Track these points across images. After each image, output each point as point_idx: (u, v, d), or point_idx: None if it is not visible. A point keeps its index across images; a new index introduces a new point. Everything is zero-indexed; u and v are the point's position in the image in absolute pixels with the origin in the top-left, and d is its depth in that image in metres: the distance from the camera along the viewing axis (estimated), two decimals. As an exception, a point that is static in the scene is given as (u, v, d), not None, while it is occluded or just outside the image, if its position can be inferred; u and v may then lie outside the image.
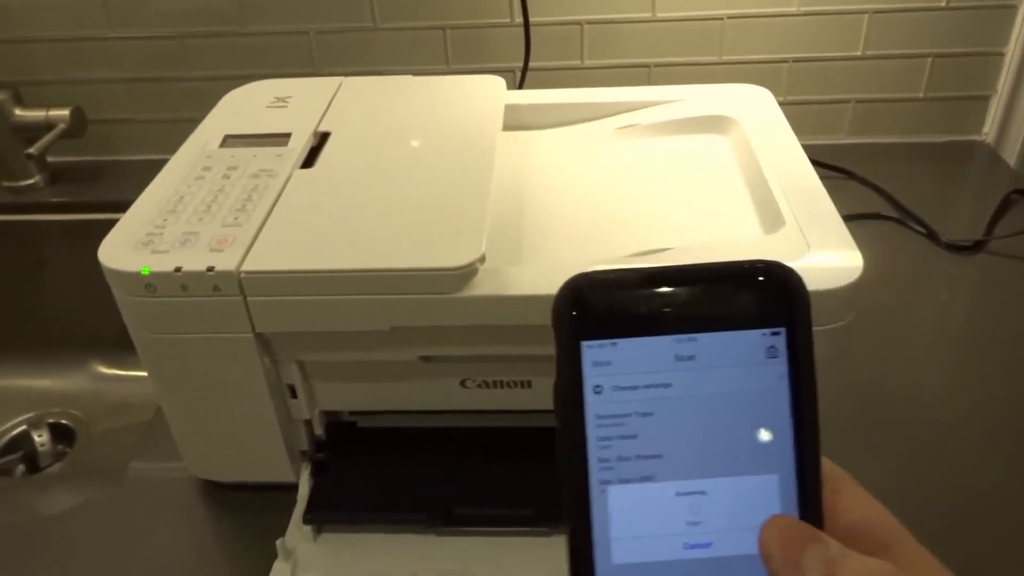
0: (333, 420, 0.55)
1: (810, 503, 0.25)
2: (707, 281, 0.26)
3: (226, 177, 0.53)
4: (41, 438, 0.92)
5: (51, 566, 0.53)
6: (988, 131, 0.92)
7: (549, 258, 0.50)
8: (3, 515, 0.80)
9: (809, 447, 0.26)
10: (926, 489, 0.54)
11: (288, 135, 0.57)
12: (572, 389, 0.25)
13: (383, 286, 0.44)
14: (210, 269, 0.44)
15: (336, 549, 0.50)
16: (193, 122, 0.93)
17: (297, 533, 0.51)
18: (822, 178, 0.53)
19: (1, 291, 0.94)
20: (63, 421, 0.93)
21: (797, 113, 0.89)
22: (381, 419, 0.56)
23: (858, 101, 0.90)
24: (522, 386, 0.51)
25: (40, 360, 0.96)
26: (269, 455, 0.53)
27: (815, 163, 0.55)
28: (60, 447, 0.92)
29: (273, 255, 0.45)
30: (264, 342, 0.48)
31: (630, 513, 0.25)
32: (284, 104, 0.62)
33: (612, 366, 0.25)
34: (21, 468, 0.91)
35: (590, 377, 0.25)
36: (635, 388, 0.26)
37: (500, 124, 0.58)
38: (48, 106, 0.88)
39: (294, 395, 0.51)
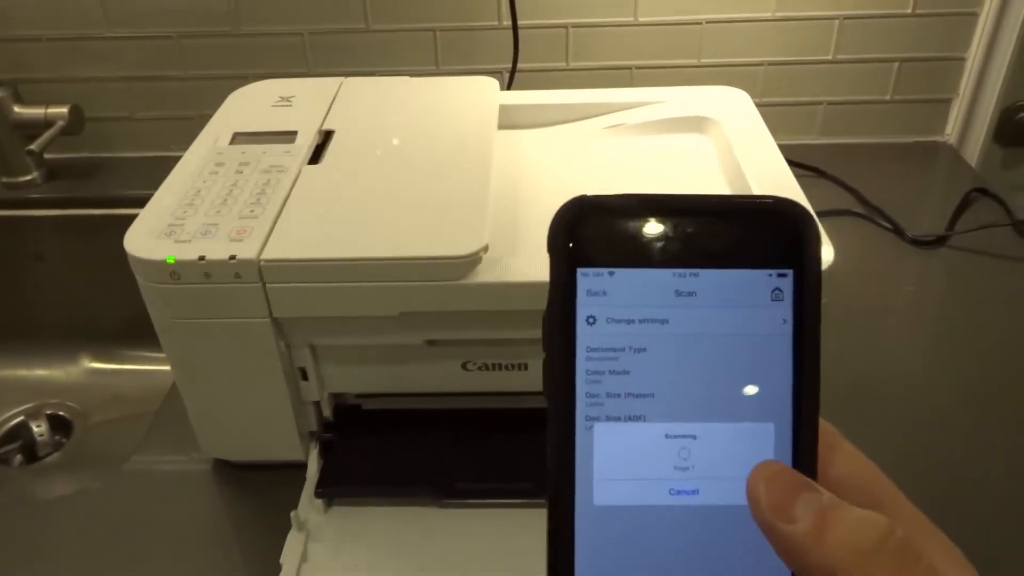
0: (340, 402, 0.58)
1: (805, 455, 0.25)
2: (714, 214, 0.25)
3: (239, 172, 0.56)
4: (40, 428, 0.94)
5: (65, 547, 0.56)
6: (950, 132, 0.97)
7: (543, 244, 0.54)
8: (4, 503, 0.82)
9: (809, 397, 0.25)
10: (899, 472, 0.58)
11: (294, 133, 0.60)
12: (563, 317, 0.24)
13: (393, 273, 0.48)
14: (232, 257, 0.47)
15: (345, 521, 0.54)
16: (188, 120, 0.96)
17: (309, 507, 0.54)
18: (795, 176, 0.57)
19: (1, 285, 0.96)
20: (60, 412, 0.96)
21: (771, 114, 0.93)
22: (385, 402, 0.59)
23: (829, 103, 0.95)
24: (519, 368, 0.55)
25: (38, 352, 0.98)
26: (281, 435, 0.56)
27: (788, 162, 0.59)
28: (57, 437, 0.94)
29: (290, 244, 0.49)
30: (279, 327, 0.51)
31: (615, 453, 0.24)
32: (288, 103, 0.65)
33: (608, 296, 0.24)
34: (19, 458, 0.93)
35: (583, 307, 0.24)
36: (630, 322, 0.24)
37: (495, 122, 0.62)
38: (47, 103, 0.90)
39: (305, 377, 0.54)
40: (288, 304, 0.49)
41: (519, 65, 0.91)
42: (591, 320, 0.24)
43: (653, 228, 0.24)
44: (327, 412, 0.57)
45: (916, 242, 0.80)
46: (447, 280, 0.48)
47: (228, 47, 0.93)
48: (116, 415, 0.97)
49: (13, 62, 0.92)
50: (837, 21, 0.90)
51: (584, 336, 0.24)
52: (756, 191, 0.56)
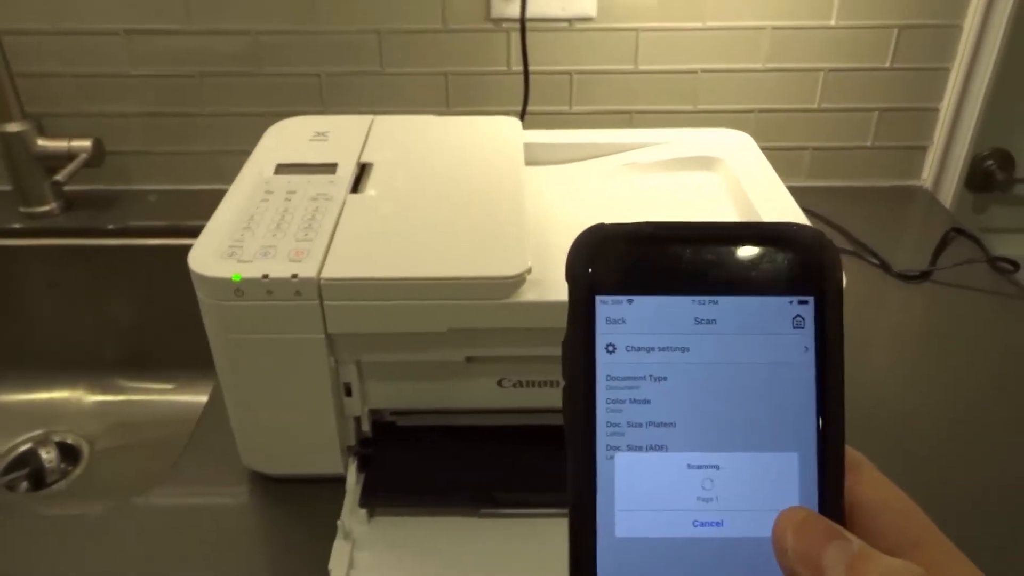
0: (377, 419, 0.61)
1: (831, 488, 0.24)
2: (733, 241, 0.25)
3: (288, 200, 0.59)
4: (49, 455, 0.94)
5: (112, 552, 0.57)
6: (926, 177, 1.04)
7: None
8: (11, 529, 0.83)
9: (832, 426, 0.24)
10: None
11: (335, 164, 0.64)
12: (583, 346, 0.24)
13: (444, 292, 0.52)
14: (294, 276, 0.51)
15: (388, 531, 0.56)
16: (204, 155, 0.99)
17: (351, 517, 0.56)
18: None
19: (15, 311, 0.97)
20: (68, 440, 0.96)
21: (762, 157, 1.00)
22: (418, 419, 0.62)
23: (815, 148, 1.02)
24: (552, 385, 0.58)
25: (47, 379, 0.99)
26: (323, 449, 0.58)
27: None
28: (64, 465, 0.95)
29: (346, 264, 0.52)
30: (331, 343, 0.54)
31: (637, 484, 0.24)
32: (324, 138, 0.69)
33: (627, 325, 0.24)
34: (25, 485, 0.93)
35: (603, 335, 0.24)
36: (650, 350, 0.24)
37: (522, 156, 0.66)
38: (70, 137, 0.93)
39: (349, 393, 0.57)
40: (343, 321, 0.52)
41: (527, 108, 0.97)
42: (611, 348, 0.24)
43: (672, 255, 0.24)
44: (366, 427, 0.60)
45: (902, 277, 0.86)
46: (493, 299, 0.52)
47: (246, 86, 0.97)
48: (124, 443, 0.98)
49: (38, 96, 0.95)
50: (822, 73, 0.97)
51: (604, 364, 0.24)
52: (765, 218, 0.60)
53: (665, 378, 0.24)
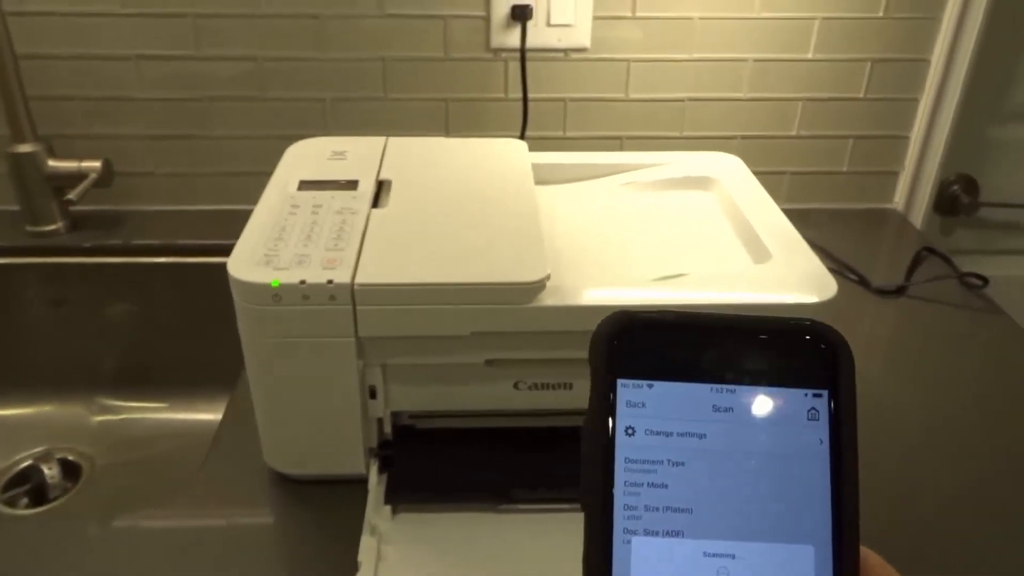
0: (396, 423, 0.64)
1: None
2: (753, 333, 0.26)
3: (315, 213, 0.63)
4: (51, 471, 0.95)
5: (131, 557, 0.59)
6: (898, 200, 1.10)
7: (587, 277, 0.62)
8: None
9: (848, 520, 0.24)
10: (875, 495, 0.67)
11: (356, 181, 0.68)
12: (603, 427, 0.24)
13: (470, 297, 0.55)
14: (329, 282, 0.54)
15: (412, 527, 0.59)
16: (212, 176, 1.03)
17: (376, 514, 0.59)
18: None
19: (19, 329, 0.99)
20: (70, 457, 0.97)
21: (745, 181, 1.05)
22: (436, 422, 0.65)
23: (793, 173, 1.08)
24: (565, 388, 0.62)
25: (50, 396, 1.00)
26: (347, 450, 0.61)
27: None
28: (65, 482, 0.95)
29: (377, 271, 0.56)
30: (361, 346, 0.57)
31: (653, 569, 0.24)
32: (343, 157, 0.73)
33: (647, 408, 0.25)
34: (25, 501, 0.94)
35: (623, 417, 0.25)
36: (669, 435, 0.25)
37: (531, 174, 0.70)
38: (80, 158, 0.95)
39: (373, 395, 0.60)
40: (373, 325, 0.56)
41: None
42: (630, 431, 0.24)
43: (692, 343, 0.25)
44: (387, 429, 0.63)
45: (880, 292, 0.91)
46: (515, 304, 0.56)
47: (252, 110, 1.00)
48: (124, 460, 0.99)
49: (51, 118, 0.97)
50: (800, 102, 1.03)
51: (623, 447, 0.24)
52: (761, 235, 0.65)
53: (683, 463, 0.24)
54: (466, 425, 0.65)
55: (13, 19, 0.91)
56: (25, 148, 0.93)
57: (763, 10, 0.97)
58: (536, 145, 1.04)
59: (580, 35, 0.98)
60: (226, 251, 0.57)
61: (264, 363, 0.58)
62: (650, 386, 0.25)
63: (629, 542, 0.24)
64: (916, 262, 0.95)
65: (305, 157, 0.73)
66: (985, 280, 0.91)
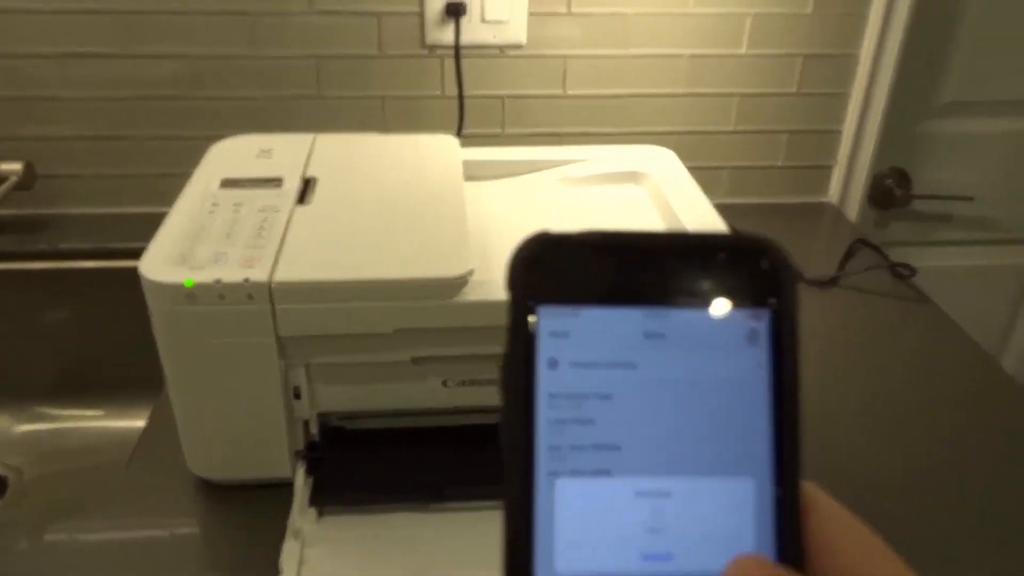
0: (324, 423, 0.63)
1: (788, 517, 0.23)
2: (685, 251, 0.23)
3: (235, 211, 0.61)
4: (-23, 485, 0.92)
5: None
6: (833, 194, 1.12)
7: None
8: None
9: (790, 449, 0.23)
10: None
11: (280, 179, 0.66)
12: (523, 361, 0.22)
13: (391, 293, 0.54)
14: (246, 280, 0.53)
15: (337, 529, 0.58)
16: (141, 178, 1.00)
17: (301, 517, 0.58)
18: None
19: (-60, 338, 0.95)
20: (-4, 470, 0.94)
21: (683, 177, 1.06)
22: (365, 423, 0.64)
23: (732, 168, 1.09)
24: (493, 384, 0.61)
25: (-24, 407, 0.97)
26: (272, 453, 0.60)
27: None
28: (-9, 496, 0.92)
29: (296, 268, 0.54)
30: (282, 346, 0.56)
31: (580, 513, 0.22)
32: (269, 155, 0.71)
33: (571, 338, 0.23)
34: (-54, 517, 0.90)
35: (545, 349, 0.22)
36: (595, 366, 0.22)
37: (461, 169, 0.70)
38: None
39: (297, 396, 0.59)
40: (293, 324, 0.55)
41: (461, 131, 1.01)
42: (553, 363, 0.22)
43: (621, 265, 0.23)
44: (314, 431, 0.62)
45: (812, 283, 0.93)
46: (438, 299, 0.55)
47: (183, 110, 0.98)
48: (52, 471, 0.96)
49: (-32, 119, 0.94)
50: (736, 98, 1.04)
51: (546, 381, 0.22)
52: (685, 223, 0.65)
53: (611, 396, 0.22)
54: (397, 425, 0.64)
55: (-74, 16, 0.88)
56: (-59, 150, 0.89)
57: (697, 5, 0.98)
58: (475, 142, 1.03)
59: (515, 31, 0.97)
60: (157, 254, 0.55)
61: (182, 366, 0.56)
62: (575, 313, 0.22)
63: (553, 485, 0.22)
64: (849, 254, 0.97)
65: (229, 155, 0.71)
66: (913, 270, 0.93)
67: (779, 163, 1.09)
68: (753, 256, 0.23)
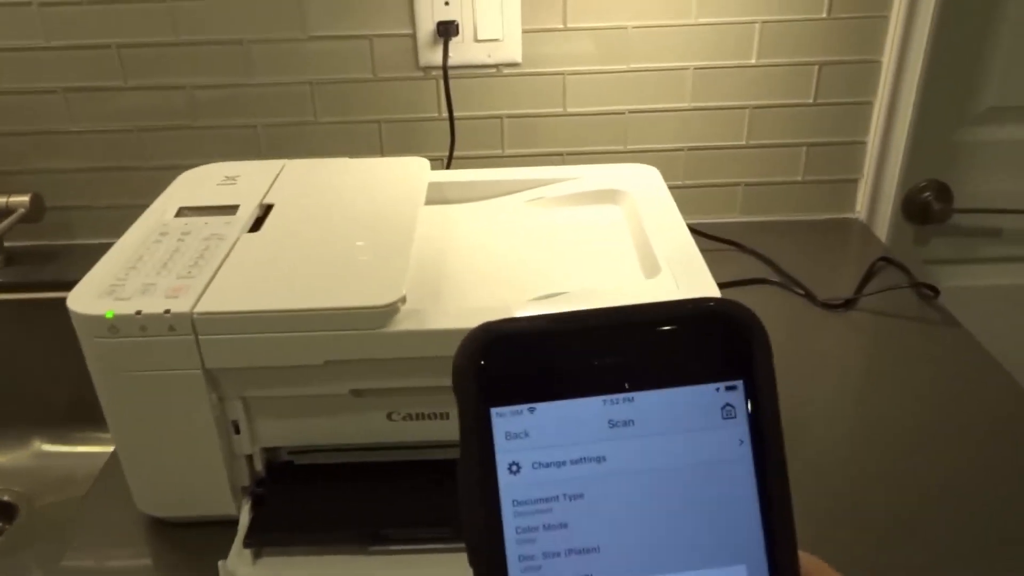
0: (273, 459, 0.61)
1: None
2: (643, 326, 0.21)
3: (181, 240, 0.60)
4: (-14, 511, 0.94)
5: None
6: (860, 209, 1.05)
7: (462, 300, 0.59)
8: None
9: (782, 528, 0.21)
10: (813, 503, 0.62)
11: (236, 206, 0.65)
12: (481, 468, 0.21)
13: (318, 323, 0.52)
14: (167, 311, 0.51)
15: (274, 570, 0.55)
16: (147, 208, 1.00)
17: (237, 558, 0.56)
18: (714, 250, 0.63)
19: (-49, 367, 0.98)
20: (5, 497, 0.96)
21: (695, 195, 1.01)
22: (316, 457, 0.62)
23: (747, 184, 1.03)
24: (441, 417, 0.58)
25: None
26: (213, 490, 0.58)
27: (709, 237, 0.65)
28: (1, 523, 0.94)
29: (221, 299, 0.53)
30: (212, 379, 0.54)
31: None
32: (233, 182, 0.70)
33: (530, 438, 0.21)
34: (-45, 544, 0.92)
35: (504, 453, 0.21)
36: (561, 464, 0.21)
37: (423, 194, 0.67)
38: (9, 193, 0.94)
39: (237, 431, 0.57)
40: (219, 355, 0.53)
41: (460, 152, 0.99)
42: (514, 468, 0.21)
43: (574, 351, 0.21)
44: (259, 466, 0.59)
45: (826, 306, 0.86)
46: (368, 329, 0.52)
47: (185, 139, 0.99)
48: (62, 498, 0.97)
49: (-23, 154, 0.97)
50: (748, 110, 0.99)
51: (509, 488, 0.21)
52: (657, 249, 0.61)
53: (582, 495, 0.21)
54: (347, 460, 0.61)
55: (-64, 57, 0.91)
56: (-50, 185, 0.92)
57: (700, 15, 0.94)
58: (475, 164, 1.01)
59: (510, 50, 0.95)
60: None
61: (114, 400, 0.55)
62: (531, 410, 0.21)
63: None
64: (871, 273, 0.90)
65: (193, 183, 0.71)
66: (936, 291, 0.85)
67: (799, 178, 1.03)
68: (718, 323, 0.22)
